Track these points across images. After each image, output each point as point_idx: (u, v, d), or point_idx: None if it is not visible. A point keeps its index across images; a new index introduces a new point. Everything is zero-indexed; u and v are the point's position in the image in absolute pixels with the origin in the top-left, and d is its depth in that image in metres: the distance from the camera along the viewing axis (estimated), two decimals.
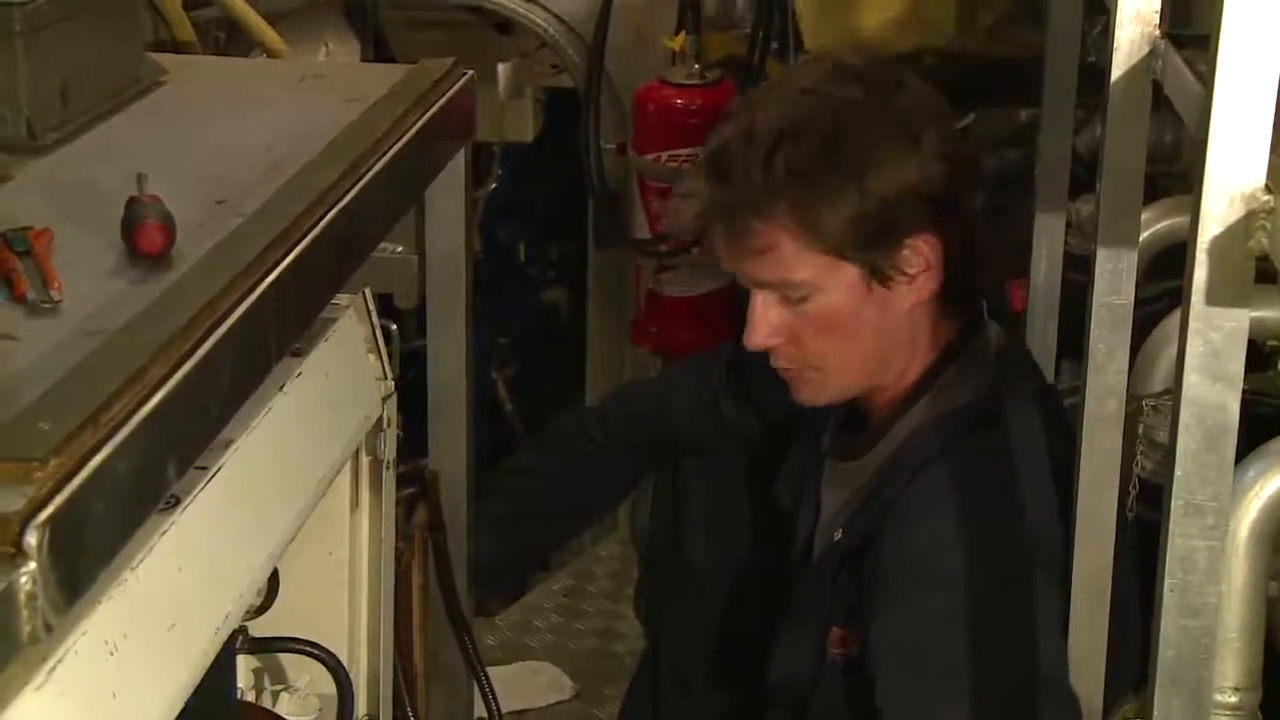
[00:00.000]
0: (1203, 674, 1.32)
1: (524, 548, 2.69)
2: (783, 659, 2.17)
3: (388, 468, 1.92)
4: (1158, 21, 1.64)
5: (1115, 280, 1.76)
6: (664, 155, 3.32)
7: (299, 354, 1.65)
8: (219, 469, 1.41)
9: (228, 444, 1.43)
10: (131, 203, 1.46)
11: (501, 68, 3.93)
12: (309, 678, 1.83)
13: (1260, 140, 1.22)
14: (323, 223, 1.54)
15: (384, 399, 1.88)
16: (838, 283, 2.02)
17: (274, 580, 1.65)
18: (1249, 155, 1.22)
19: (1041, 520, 1.98)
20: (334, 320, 1.75)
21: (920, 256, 2.02)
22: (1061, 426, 2.09)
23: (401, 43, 3.75)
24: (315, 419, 1.67)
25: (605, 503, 2.85)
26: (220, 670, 1.45)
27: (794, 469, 2.26)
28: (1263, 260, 1.24)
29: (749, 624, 2.28)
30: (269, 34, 2.54)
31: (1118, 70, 1.67)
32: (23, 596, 1.03)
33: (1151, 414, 2.40)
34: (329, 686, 1.79)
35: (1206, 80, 1.23)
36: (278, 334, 1.45)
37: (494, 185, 4.24)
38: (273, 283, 1.41)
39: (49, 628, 1.05)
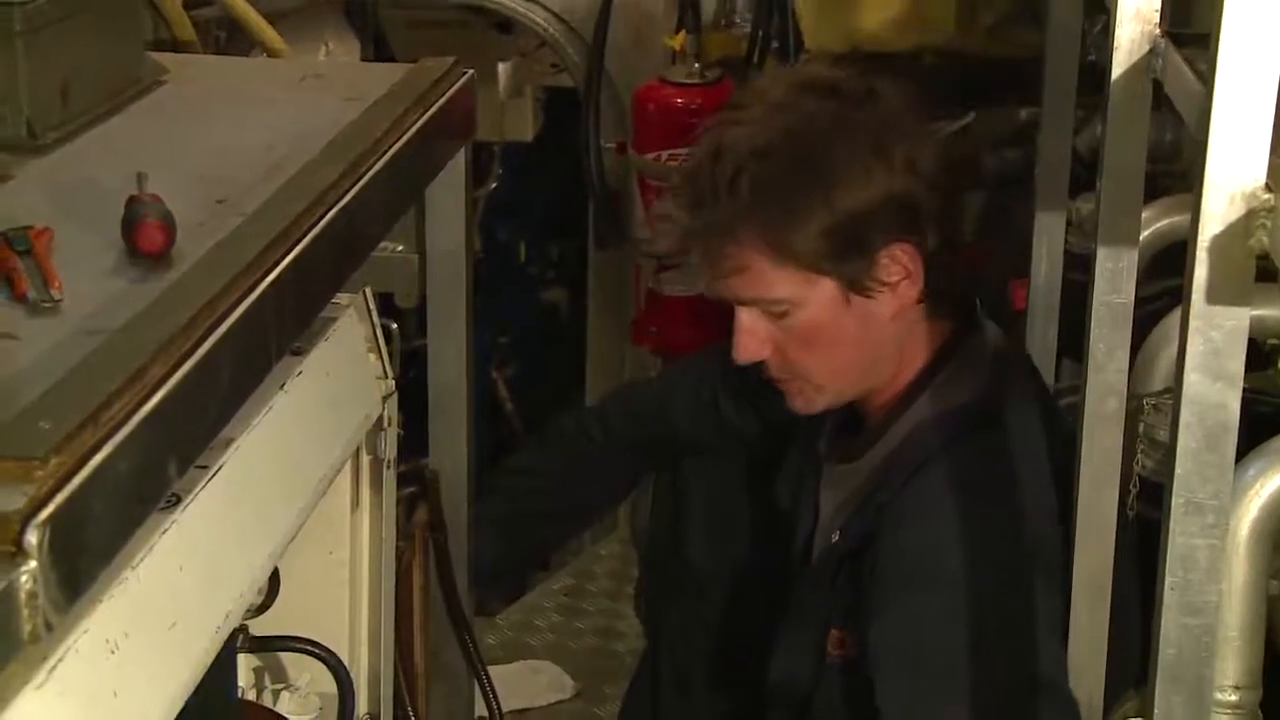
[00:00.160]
0: (1203, 672, 1.32)
1: (524, 547, 2.69)
2: (782, 660, 2.17)
3: (388, 467, 1.92)
4: (1158, 20, 1.65)
5: (1115, 279, 1.76)
6: (664, 154, 3.32)
7: (299, 353, 1.64)
8: (219, 468, 1.41)
9: (228, 443, 1.43)
10: (131, 202, 1.46)
11: (501, 67, 3.93)
12: (310, 676, 1.83)
13: (1260, 139, 1.22)
14: (323, 222, 1.54)
15: (384, 398, 1.88)
16: (816, 297, 2.02)
17: (274, 579, 1.65)
18: (1249, 154, 1.22)
19: (1040, 521, 1.98)
20: (334, 319, 1.75)
21: (898, 265, 2.01)
22: (1060, 427, 2.10)
23: (401, 42, 3.75)
24: (316, 418, 1.67)
25: (605, 502, 2.85)
26: (221, 669, 1.45)
27: (793, 470, 2.26)
28: (1263, 259, 1.24)
29: (749, 624, 2.28)
30: (269, 33, 2.54)
31: (1118, 69, 1.67)
32: (23, 595, 1.03)
33: (1152, 413, 2.40)
34: (330, 685, 1.79)
35: (1207, 79, 1.23)
36: (278, 333, 1.45)
37: (494, 185, 4.24)
38: (273, 282, 1.41)
39: (49, 626, 1.05)
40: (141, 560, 1.25)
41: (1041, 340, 2.48)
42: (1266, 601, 1.73)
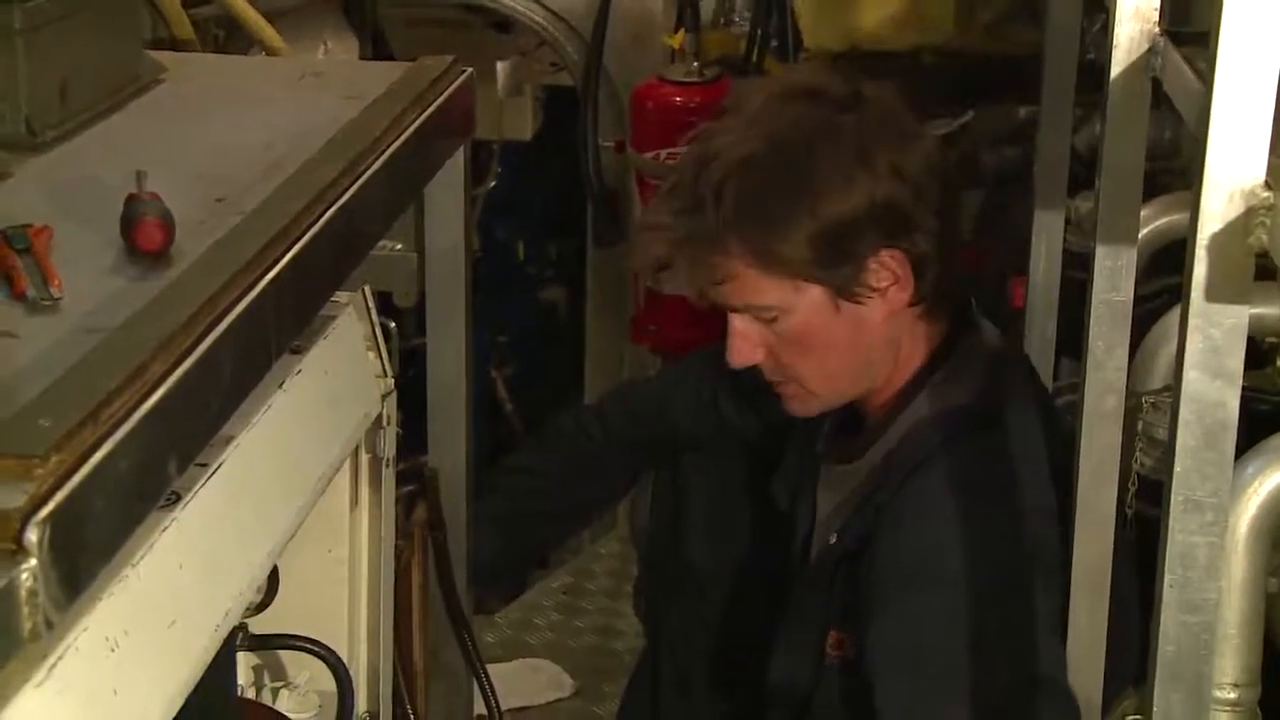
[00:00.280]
0: (1202, 670, 1.32)
1: (523, 546, 2.69)
2: (781, 661, 2.17)
3: (387, 465, 1.92)
4: (1157, 19, 1.65)
5: (1114, 277, 1.76)
6: (663, 153, 3.32)
7: (298, 351, 1.64)
8: (219, 466, 1.41)
9: (228, 441, 1.43)
10: (130, 200, 1.46)
11: (500, 66, 3.93)
12: (309, 675, 1.83)
13: (1260, 137, 1.22)
14: (322, 220, 1.54)
15: (383, 396, 1.88)
16: (805, 304, 2.02)
17: (274, 577, 1.65)
18: (1249, 152, 1.23)
19: (1039, 520, 1.98)
20: (333, 318, 1.75)
21: (887, 271, 2.01)
22: (1058, 426, 2.10)
23: (400, 41, 3.75)
24: (315, 416, 1.67)
25: (604, 501, 2.84)
26: (221, 667, 1.45)
27: (791, 471, 2.27)
28: (1262, 257, 1.24)
29: (749, 624, 2.28)
30: (268, 32, 2.54)
31: (1117, 67, 1.67)
32: (23, 593, 1.03)
33: (1151, 411, 2.40)
34: (329, 683, 1.79)
35: (1206, 77, 1.23)
36: (277, 331, 1.45)
37: (493, 183, 4.23)
38: (272, 280, 1.41)
39: (50, 624, 1.05)
40: (141, 558, 1.25)
41: (1040, 338, 2.48)
42: (1265, 599, 1.73)
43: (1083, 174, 2.53)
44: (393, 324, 2.01)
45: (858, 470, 2.13)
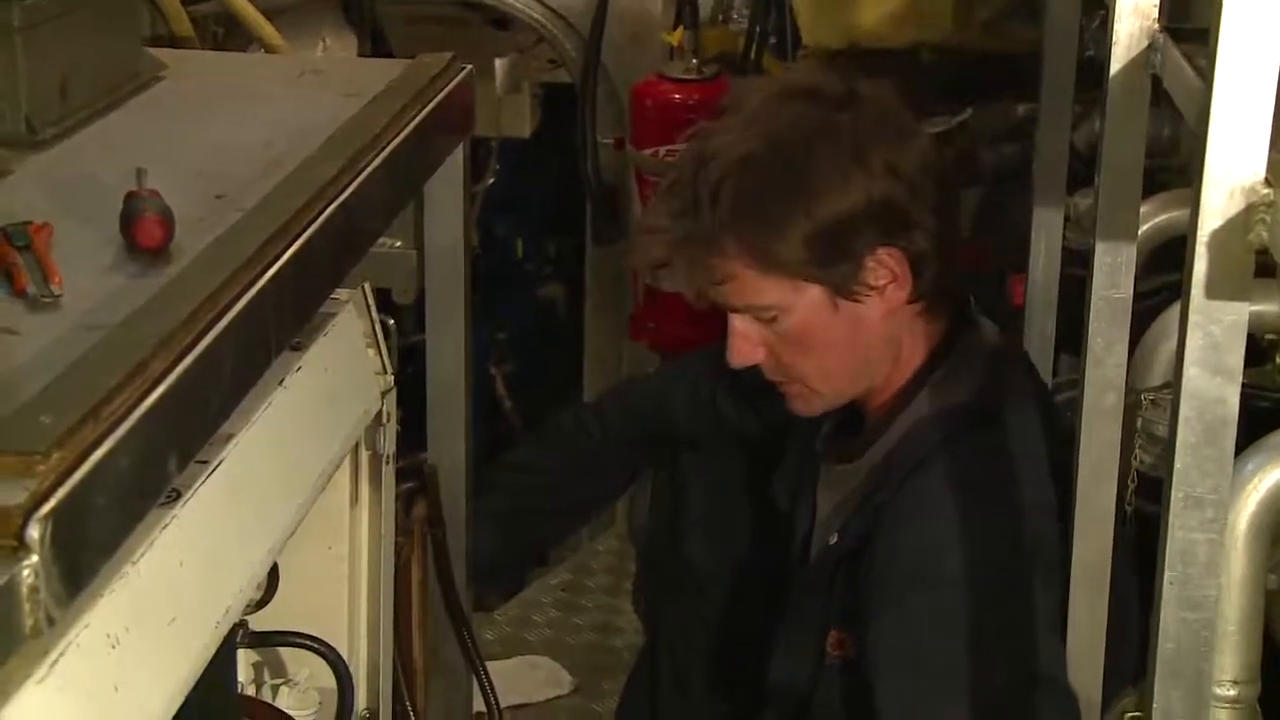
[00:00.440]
0: (1202, 667, 1.32)
1: (522, 543, 2.69)
2: (781, 661, 2.17)
3: (387, 462, 1.92)
4: (1156, 15, 1.65)
5: (1114, 274, 1.76)
6: (662, 150, 3.32)
7: (298, 348, 1.65)
8: (219, 463, 1.41)
9: (228, 438, 1.43)
10: (130, 197, 1.46)
11: (499, 63, 3.93)
12: (309, 672, 1.83)
13: (1260, 134, 1.22)
14: (322, 217, 1.54)
15: (383, 394, 1.88)
16: (803, 303, 2.02)
17: (274, 575, 1.65)
18: (1249, 149, 1.23)
19: (1039, 518, 1.98)
20: (333, 315, 1.75)
21: (884, 269, 2.01)
22: (1058, 424, 2.10)
23: (399, 38, 3.75)
24: (315, 413, 1.67)
25: (603, 498, 2.84)
26: (221, 664, 1.45)
27: (790, 470, 2.26)
28: (1262, 254, 1.24)
29: (748, 624, 2.28)
30: (267, 29, 2.54)
31: (1116, 64, 1.67)
32: (25, 590, 1.03)
33: (1150, 408, 2.40)
34: (329, 680, 1.79)
35: (1206, 74, 1.23)
36: (277, 328, 1.45)
37: (491, 180, 4.23)
38: (272, 277, 1.41)
39: (51, 621, 1.06)
40: (142, 555, 1.25)
41: (1040, 335, 2.48)
42: (1265, 596, 1.73)
43: (1082, 171, 2.53)
44: (392, 321, 2.00)
45: (858, 470, 2.13)
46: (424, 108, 1.87)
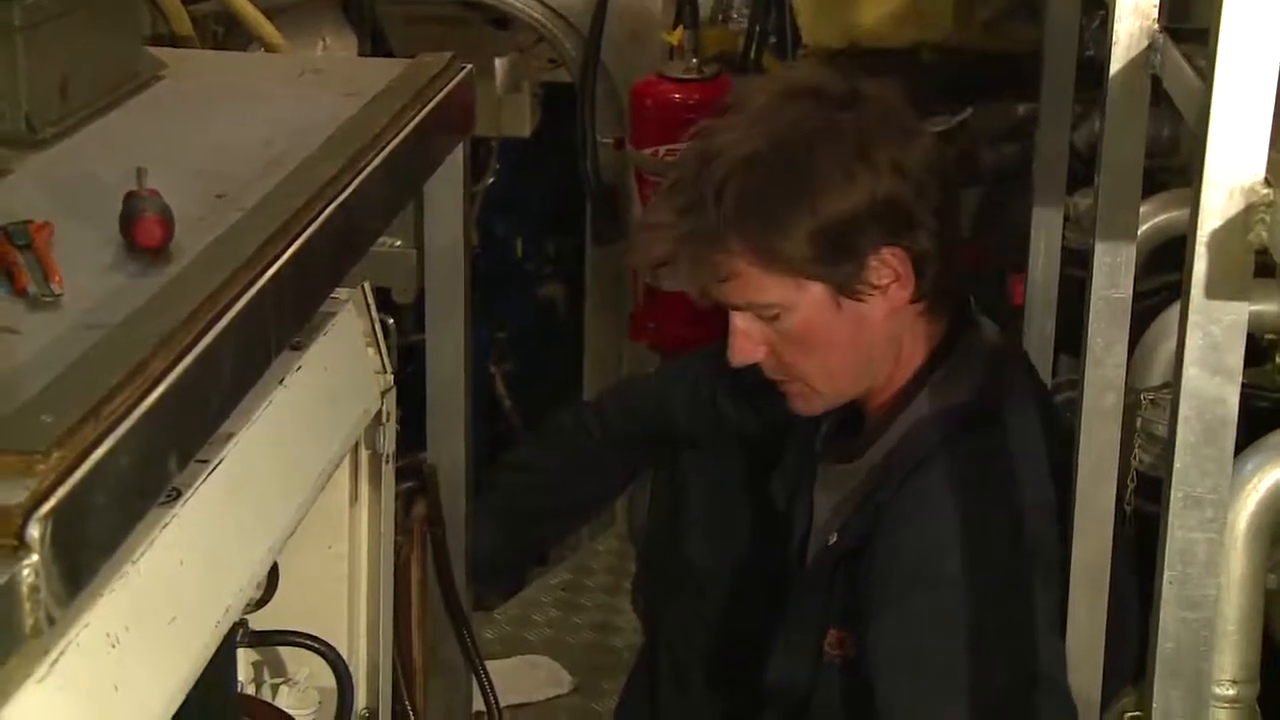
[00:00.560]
0: (1202, 666, 1.32)
1: (522, 542, 2.69)
2: (780, 660, 2.17)
3: (387, 462, 1.92)
4: (1156, 16, 1.65)
5: (1114, 274, 1.76)
6: (662, 150, 3.32)
7: (298, 348, 1.65)
8: (219, 462, 1.41)
9: (228, 437, 1.43)
10: (129, 197, 1.46)
11: (499, 62, 3.93)
12: (309, 671, 1.83)
13: (1259, 134, 1.22)
14: (322, 217, 1.54)
15: (383, 393, 1.88)
16: (806, 301, 2.02)
17: (274, 574, 1.65)
18: (1248, 149, 1.23)
19: (1039, 518, 1.98)
20: (333, 314, 1.75)
21: (888, 268, 2.01)
22: (1058, 424, 2.10)
23: (399, 38, 3.75)
24: (315, 413, 1.67)
25: (603, 498, 2.85)
26: (221, 663, 1.45)
27: (789, 470, 2.26)
28: (1262, 254, 1.24)
29: (748, 623, 2.28)
30: (267, 28, 2.54)
31: (1116, 64, 1.67)
32: (25, 589, 1.03)
33: (1150, 408, 2.40)
34: (329, 680, 1.79)
35: (1206, 74, 1.23)
36: (277, 328, 1.45)
37: (491, 180, 4.23)
38: (272, 277, 1.41)
39: (51, 620, 1.06)
40: (142, 554, 1.25)
41: (1039, 335, 2.48)
42: (1264, 596, 1.73)
43: (1082, 171, 2.53)
44: (392, 320, 2.01)
45: (857, 470, 2.13)
46: (424, 107, 1.87)
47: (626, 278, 3.65)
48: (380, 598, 1.94)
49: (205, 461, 1.39)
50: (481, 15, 3.84)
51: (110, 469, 1.12)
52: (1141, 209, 1.94)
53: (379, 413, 1.87)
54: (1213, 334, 1.26)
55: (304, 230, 1.50)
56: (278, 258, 1.44)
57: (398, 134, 1.78)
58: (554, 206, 4.30)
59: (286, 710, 1.82)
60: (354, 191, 1.62)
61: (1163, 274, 2.44)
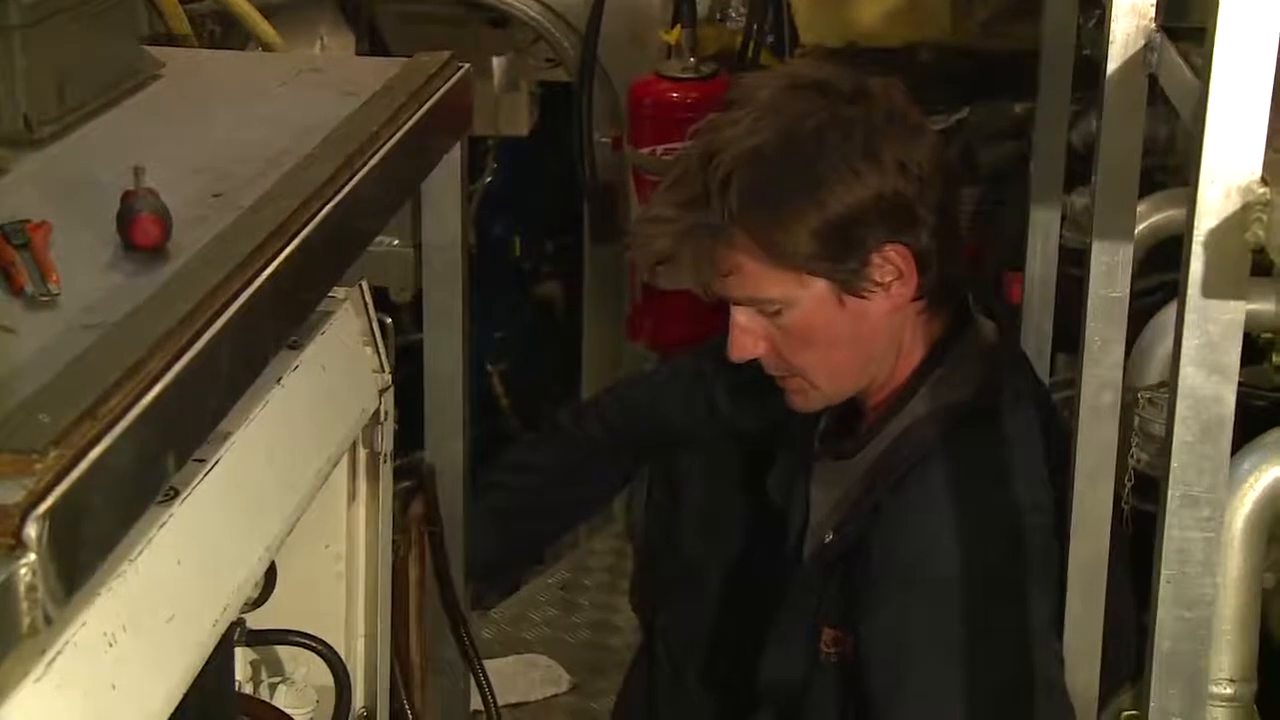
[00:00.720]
0: (1199, 665, 1.32)
1: (520, 541, 2.69)
2: (775, 658, 2.17)
3: (384, 461, 1.92)
4: (1153, 15, 1.65)
5: (1111, 273, 1.76)
6: (660, 149, 3.32)
7: (296, 347, 1.65)
8: (217, 462, 1.41)
9: (225, 437, 1.43)
10: (126, 196, 1.46)
11: (496, 61, 3.93)
12: (306, 670, 1.83)
13: (1256, 133, 1.23)
14: (319, 216, 1.54)
15: (381, 392, 1.88)
16: (808, 297, 2.02)
17: (271, 573, 1.65)
18: (1245, 148, 1.23)
19: (1036, 517, 1.98)
20: (331, 313, 1.75)
21: (891, 265, 2.01)
22: (1055, 422, 2.10)
23: (396, 37, 3.75)
24: (312, 412, 1.67)
25: (601, 497, 2.85)
26: (219, 662, 1.45)
27: (785, 467, 2.26)
28: (1258, 252, 1.25)
29: (745, 620, 2.28)
30: (264, 27, 2.54)
31: (1113, 63, 1.67)
32: (22, 588, 1.03)
33: (1147, 406, 2.40)
34: (326, 679, 1.79)
35: (1202, 73, 1.24)
36: (275, 327, 1.45)
37: (489, 179, 4.23)
38: (270, 276, 1.41)
39: (48, 619, 1.06)
40: (140, 554, 1.25)
41: (1037, 334, 2.48)
42: (1261, 594, 1.73)
43: (1079, 170, 2.53)
44: (390, 319, 2.00)
45: (855, 467, 2.13)
46: (421, 106, 1.87)
47: (624, 277, 3.65)
48: (378, 597, 1.94)
49: (203, 461, 1.39)
50: (479, 14, 3.84)
51: (108, 468, 1.12)
52: (1139, 208, 1.94)
53: (377, 412, 1.87)
54: (1210, 333, 1.26)
55: (301, 229, 1.50)
56: (275, 257, 1.43)
57: (395, 133, 1.78)
58: (552, 206, 4.30)
59: (284, 709, 1.82)
60: (351, 191, 1.62)
61: (1160, 273, 2.44)
